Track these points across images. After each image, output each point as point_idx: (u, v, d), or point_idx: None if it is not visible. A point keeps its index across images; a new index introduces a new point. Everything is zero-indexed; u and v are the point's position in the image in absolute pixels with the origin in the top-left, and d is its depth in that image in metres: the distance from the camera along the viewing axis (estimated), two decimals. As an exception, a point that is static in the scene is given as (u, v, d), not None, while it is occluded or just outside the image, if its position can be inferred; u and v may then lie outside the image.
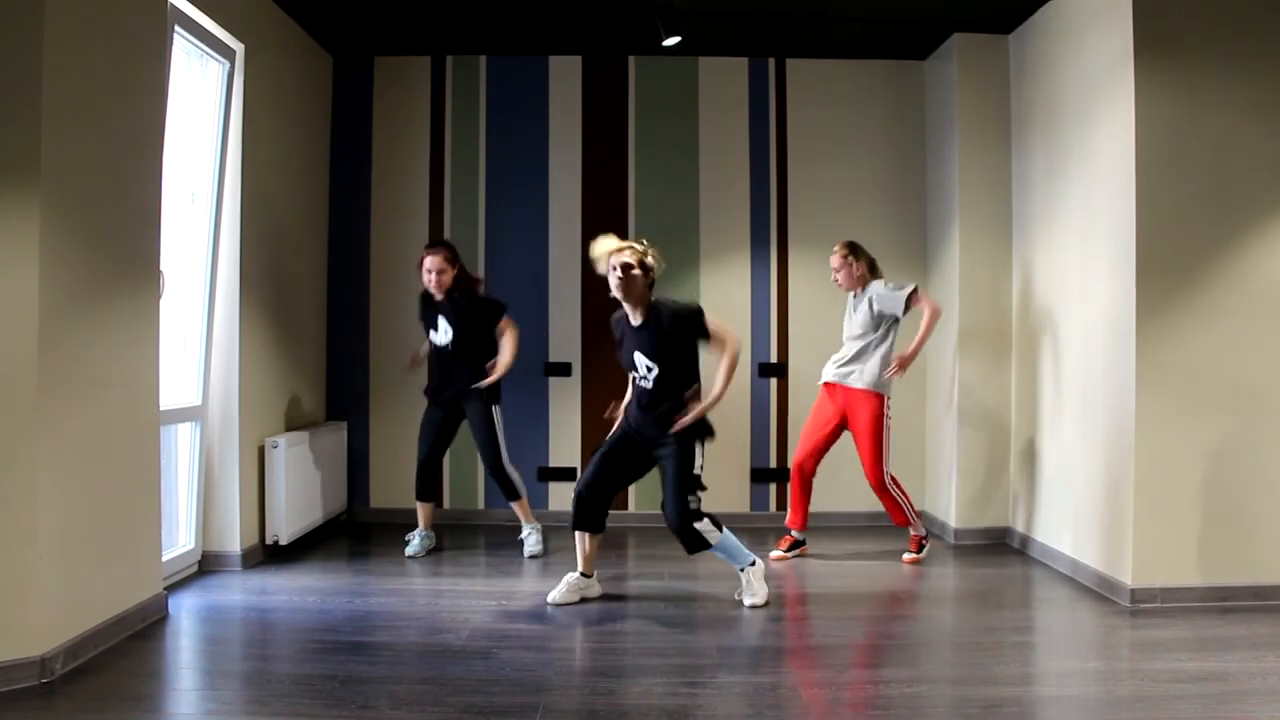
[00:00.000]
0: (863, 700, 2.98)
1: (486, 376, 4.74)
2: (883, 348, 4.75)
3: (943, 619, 4.02)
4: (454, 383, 4.81)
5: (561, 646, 3.54)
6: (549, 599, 4.05)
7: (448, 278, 4.72)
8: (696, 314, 3.94)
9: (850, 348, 4.82)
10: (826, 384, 4.90)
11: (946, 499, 5.44)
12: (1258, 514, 4.05)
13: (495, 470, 4.84)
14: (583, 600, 4.09)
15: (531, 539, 4.92)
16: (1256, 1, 4.04)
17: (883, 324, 4.75)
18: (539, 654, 3.42)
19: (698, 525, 3.92)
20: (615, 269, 3.89)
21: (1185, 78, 4.03)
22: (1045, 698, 3.08)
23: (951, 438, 5.37)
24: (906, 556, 4.87)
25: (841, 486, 5.57)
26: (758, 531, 5.59)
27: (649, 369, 3.95)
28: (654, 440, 4.00)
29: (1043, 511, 4.92)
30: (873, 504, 5.61)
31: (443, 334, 4.79)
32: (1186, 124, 4.04)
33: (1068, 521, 4.62)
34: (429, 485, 4.94)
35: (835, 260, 4.83)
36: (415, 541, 4.89)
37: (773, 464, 5.80)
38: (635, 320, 3.97)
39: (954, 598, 4.35)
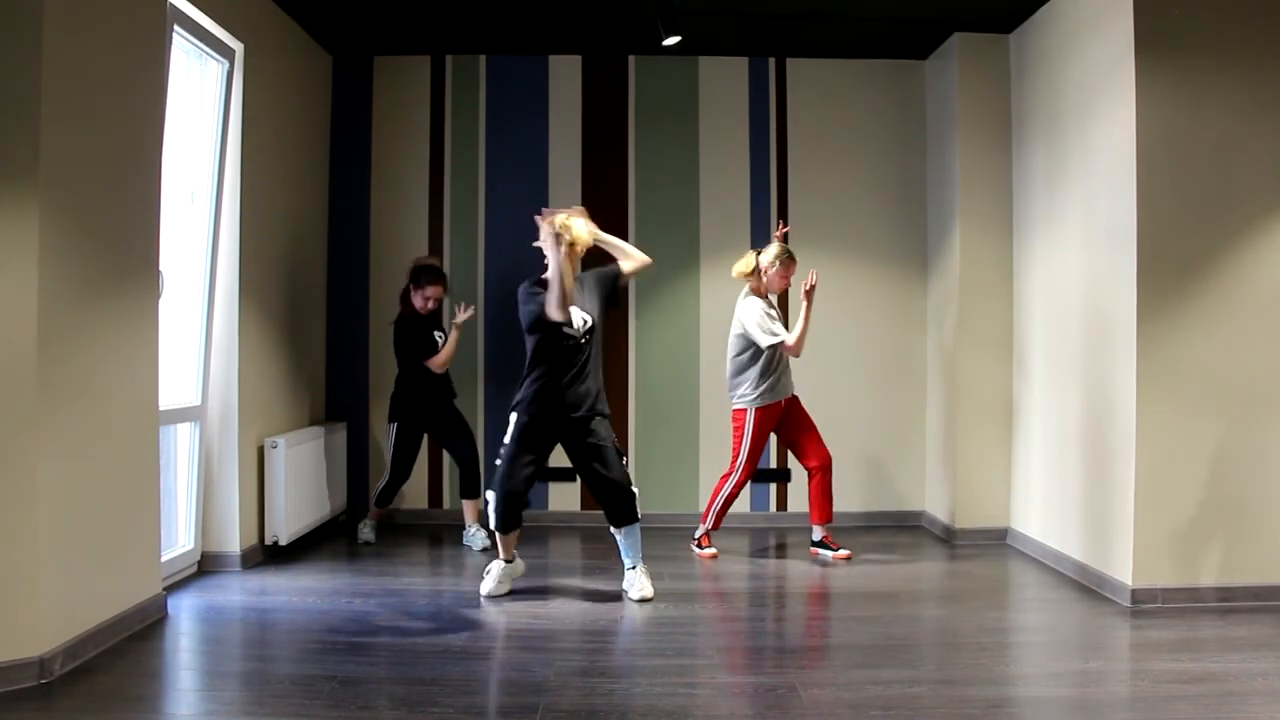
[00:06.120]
0: (863, 700, 2.97)
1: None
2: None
3: (943, 619, 4.02)
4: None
5: (561, 646, 3.54)
6: (484, 591, 4.14)
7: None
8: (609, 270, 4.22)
9: (776, 354, 4.91)
10: (786, 399, 4.97)
11: (946, 498, 5.44)
12: (1259, 514, 4.05)
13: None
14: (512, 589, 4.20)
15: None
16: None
17: None
18: (539, 654, 3.42)
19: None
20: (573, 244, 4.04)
21: (1186, 76, 4.03)
22: (1045, 698, 3.07)
23: (951, 437, 5.37)
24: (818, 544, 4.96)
25: (840, 487, 5.55)
26: (757, 531, 5.60)
27: (587, 324, 4.09)
28: (588, 413, 4.08)
29: (1043, 511, 4.92)
30: (871, 504, 5.63)
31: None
32: (1188, 123, 4.03)
33: (1068, 521, 4.61)
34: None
35: (792, 269, 4.98)
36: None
37: (773, 464, 5.79)
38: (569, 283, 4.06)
39: (954, 597, 4.34)
